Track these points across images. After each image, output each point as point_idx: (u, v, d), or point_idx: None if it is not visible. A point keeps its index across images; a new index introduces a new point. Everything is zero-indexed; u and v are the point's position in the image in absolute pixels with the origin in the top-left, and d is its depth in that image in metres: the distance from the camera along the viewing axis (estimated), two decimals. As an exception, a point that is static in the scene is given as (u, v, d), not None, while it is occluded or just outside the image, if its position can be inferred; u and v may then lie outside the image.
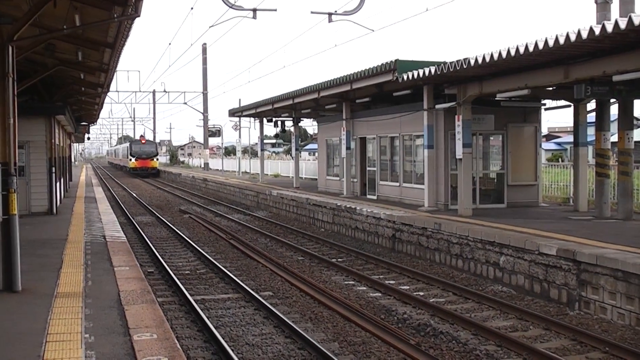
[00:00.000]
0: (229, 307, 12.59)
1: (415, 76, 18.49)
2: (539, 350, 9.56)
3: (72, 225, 18.27)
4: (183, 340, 10.17)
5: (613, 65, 13.50)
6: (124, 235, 16.98)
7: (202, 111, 67.37)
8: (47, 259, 12.57)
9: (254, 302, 12.73)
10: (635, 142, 19.03)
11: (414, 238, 17.92)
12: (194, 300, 12.52)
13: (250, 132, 79.46)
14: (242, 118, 53.01)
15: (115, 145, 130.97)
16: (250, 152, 71.47)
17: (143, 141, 74.18)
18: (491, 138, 21.70)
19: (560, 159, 50.43)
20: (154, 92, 73.69)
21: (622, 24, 11.42)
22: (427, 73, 17.83)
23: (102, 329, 7.90)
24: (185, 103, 67.44)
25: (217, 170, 65.26)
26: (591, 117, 19.64)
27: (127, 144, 77.07)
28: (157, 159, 74.05)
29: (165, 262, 16.82)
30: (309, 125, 74.58)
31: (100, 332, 7.74)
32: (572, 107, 19.97)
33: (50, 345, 7.06)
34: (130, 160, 71.28)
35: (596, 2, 17.82)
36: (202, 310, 11.82)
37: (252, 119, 54.61)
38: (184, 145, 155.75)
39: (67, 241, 15.02)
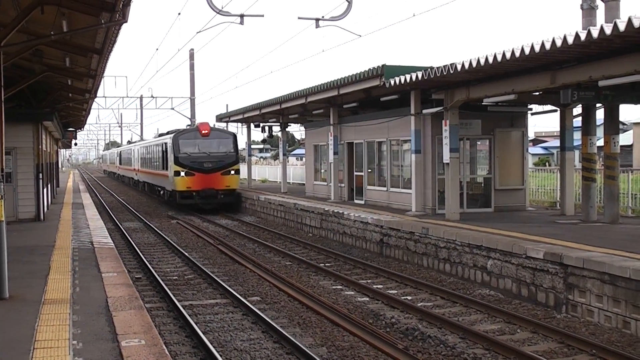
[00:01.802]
0: (217, 312, 12.59)
1: (403, 81, 18.55)
2: (526, 353, 9.61)
3: (59, 231, 18.20)
4: (171, 346, 10.17)
5: (599, 71, 13.60)
6: (112, 242, 16.93)
7: (189, 117, 67.28)
8: (34, 266, 12.52)
9: (242, 307, 12.73)
10: (621, 146, 19.16)
11: (402, 242, 17.96)
12: (182, 306, 12.51)
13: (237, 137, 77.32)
14: (229, 123, 52.98)
15: (108, 147, 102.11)
16: (238, 157, 71.04)
17: (205, 131, 34.78)
18: (478, 143, 21.79)
19: (547, 163, 50.66)
20: (141, 98, 73.34)
21: (608, 29, 11.51)
22: (414, 78, 17.89)
23: (90, 335, 7.88)
24: (173, 108, 67.21)
25: (205, 175, 64.99)
26: (577, 121, 19.76)
27: (167, 140, 36.25)
28: (238, 172, 35.65)
29: (153, 268, 16.80)
30: (297, 130, 74.58)
31: (89, 339, 7.72)
32: (559, 112, 20.09)
33: (38, 352, 7.04)
34: (177, 175, 33.62)
35: (582, 8, 17.95)
36: (190, 315, 11.82)
37: (239, 124, 54.54)
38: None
39: (54, 247, 14.95)
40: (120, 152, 70.13)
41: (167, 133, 38.91)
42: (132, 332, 7.93)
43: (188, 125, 37.49)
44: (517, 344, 10.32)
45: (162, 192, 38.67)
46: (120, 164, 69.12)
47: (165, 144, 36.51)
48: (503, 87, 16.40)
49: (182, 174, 33.38)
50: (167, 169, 35.44)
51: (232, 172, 34.09)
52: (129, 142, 73.03)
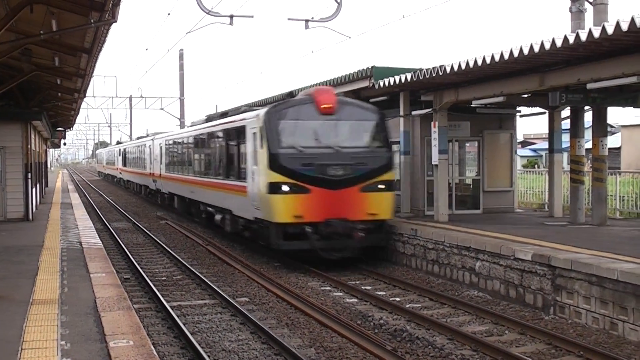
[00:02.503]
0: (206, 313, 12.57)
1: (392, 83, 18.58)
2: (514, 354, 9.64)
3: (48, 231, 18.14)
4: (159, 346, 10.14)
5: (587, 73, 13.66)
6: (100, 242, 16.88)
7: (179, 117, 67.13)
8: (22, 266, 12.48)
9: (231, 308, 12.71)
10: (610, 148, 19.27)
11: (390, 244, 17.97)
12: (170, 306, 12.48)
13: (227, 138, 75.92)
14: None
15: (97, 147, 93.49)
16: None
17: (327, 104, 17.04)
18: (467, 144, 21.83)
19: (535, 165, 50.87)
20: (130, 98, 73.11)
21: (596, 32, 11.58)
22: (403, 80, 17.92)
23: (78, 336, 7.86)
24: (162, 109, 67.11)
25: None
26: (566, 124, 19.85)
27: (247, 121, 18.46)
28: (391, 186, 17.58)
29: (141, 268, 16.74)
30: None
31: (77, 339, 7.70)
32: (547, 114, 20.16)
33: (25, 353, 7.02)
34: (276, 191, 16.48)
35: (571, 11, 18.05)
36: (178, 316, 11.79)
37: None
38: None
39: (43, 248, 14.91)
40: (125, 149, 51.22)
41: (245, 109, 21.41)
42: (120, 333, 7.91)
43: (282, 96, 23.07)
44: (505, 345, 10.36)
45: (222, 218, 22.12)
46: (124, 165, 51.10)
47: (242, 129, 19.17)
48: (492, 89, 16.45)
49: (285, 188, 16.66)
50: (243, 179, 19.10)
51: (382, 185, 17.39)
52: (119, 142, 72.00)
